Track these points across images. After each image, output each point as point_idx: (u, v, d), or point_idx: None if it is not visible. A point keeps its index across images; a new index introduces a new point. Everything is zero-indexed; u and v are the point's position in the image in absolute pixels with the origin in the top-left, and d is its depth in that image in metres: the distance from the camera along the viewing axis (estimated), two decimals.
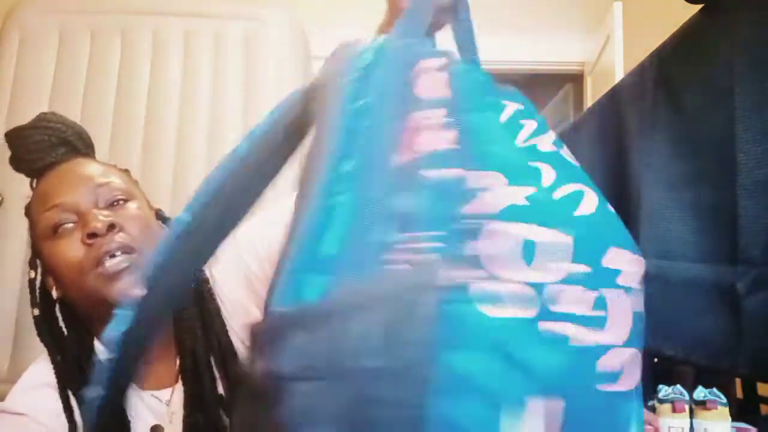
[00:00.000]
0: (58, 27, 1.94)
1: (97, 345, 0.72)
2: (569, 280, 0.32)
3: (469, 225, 0.31)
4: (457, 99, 0.35)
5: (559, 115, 4.11)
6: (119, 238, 0.67)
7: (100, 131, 1.88)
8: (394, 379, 0.28)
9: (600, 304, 0.33)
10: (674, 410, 1.06)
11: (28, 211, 0.76)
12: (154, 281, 0.40)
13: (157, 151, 1.88)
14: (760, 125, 0.62)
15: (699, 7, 0.76)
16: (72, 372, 0.70)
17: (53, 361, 0.72)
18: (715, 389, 1.07)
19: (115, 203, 0.71)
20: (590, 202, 0.37)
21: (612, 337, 0.33)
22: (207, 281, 0.75)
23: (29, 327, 1.73)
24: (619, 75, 2.27)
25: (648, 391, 1.16)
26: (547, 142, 0.39)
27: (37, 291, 0.74)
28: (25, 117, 1.88)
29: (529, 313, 0.31)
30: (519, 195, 0.33)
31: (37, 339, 1.75)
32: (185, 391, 0.70)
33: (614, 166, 1.03)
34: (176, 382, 0.72)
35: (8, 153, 0.76)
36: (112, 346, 0.40)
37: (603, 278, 0.34)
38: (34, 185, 0.77)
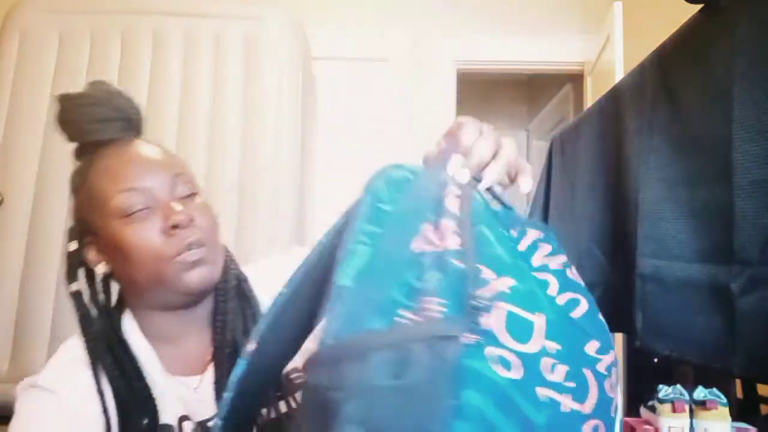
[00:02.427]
0: (58, 27, 1.95)
1: (124, 323, 0.74)
2: (559, 356, 0.40)
3: (481, 302, 0.39)
4: (469, 216, 0.45)
5: (559, 115, 4.11)
6: (196, 231, 0.71)
7: None
8: (412, 400, 0.35)
9: (582, 380, 0.41)
10: (674, 410, 1.06)
11: (80, 181, 0.75)
12: (262, 339, 0.49)
13: None
14: (758, 125, 0.62)
15: (699, 7, 0.76)
16: (102, 347, 0.71)
17: (87, 336, 0.72)
18: (715, 389, 1.07)
19: (188, 196, 0.74)
20: (583, 307, 0.49)
21: (589, 408, 0.41)
22: (246, 280, 0.78)
23: (29, 327, 1.74)
24: (619, 75, 2.27)
25: (648, 391, 1.17)
26: (557, 262, 0.51)
27: (79, 264, 0.75)
28: (25, 117, 1.89)
29: (528, 377, 0.38)
30: (524, 287, 0.42)
31: (37, 339, 1.76)
32: (217, 380, 0.71)
33: (614, 165, 1.03)
34: (204, 370, 0.74)
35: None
36: (231, 387, 0.48)
37: (586, 361, 0.43)
38: (80, 154, 0.78)
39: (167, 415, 0.70)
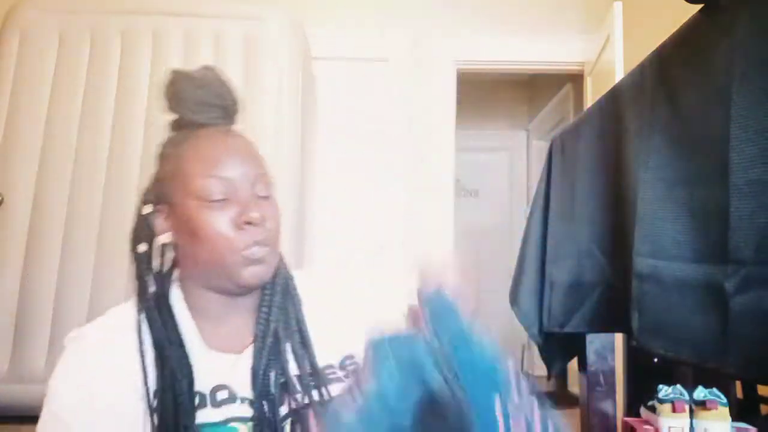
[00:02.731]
0: (58, 27, 1.94)
1: (171, 291, 0.79)
2: None
3: None
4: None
5: (559, 115, 4.11)
6: (265, 230, 0.75)
7: (100, 131, 1.89)
8: None
9: None
10: (674, 410, 1.06)
11: (169, 153, 0.79)
12: None
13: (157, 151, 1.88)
14: (756, 125, 0.62)
15: (699, 7, 0.76)
16: (153, 310, 0.75)
17: (141, 298, 0.77)
18: (715, 389, 1.07)
19: (264, 197, 0.78)
20: None
21: None
22: (293, 279, 0.82)
23: (29, 327, 1.74)
24: (619, 75, 2.27)
25: (648, 391, 1.17)
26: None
27: (147, 228, 0.79)
28: (25, 117, 1.89)
29: None
30: None
31: (37, 339, 1.76)
32: (254, 365, 0.74)
33: (614, 165, 1.03)
34: (242, 351, 0.77)
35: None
36: None
37: None
38: (176, 128, 0.82)
39: (200, 384, 0.73)
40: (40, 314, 1.75)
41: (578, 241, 1.16)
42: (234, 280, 0.74)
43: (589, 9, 2.87)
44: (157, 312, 0.75)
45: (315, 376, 0.75)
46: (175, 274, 0.81)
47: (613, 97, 1.07)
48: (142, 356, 0.72)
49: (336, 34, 2.85)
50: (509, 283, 1.43)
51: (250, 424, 0.71)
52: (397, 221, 2.80)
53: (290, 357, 0.77)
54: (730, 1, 0.70)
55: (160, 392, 0.70)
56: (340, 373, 0.79)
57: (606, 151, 1.08)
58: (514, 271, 1.41)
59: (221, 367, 0.75)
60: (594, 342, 1.25)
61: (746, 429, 1.08)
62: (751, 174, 0.62)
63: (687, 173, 0.76)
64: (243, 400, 0.73)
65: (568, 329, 1.20)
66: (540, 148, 4.43)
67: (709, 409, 1.04)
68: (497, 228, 4.70)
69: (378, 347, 0.55)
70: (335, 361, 0.79)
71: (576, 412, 1.33)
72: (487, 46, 2.97)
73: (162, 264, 0.80)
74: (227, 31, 1.98)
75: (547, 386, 3.90)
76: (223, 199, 0.73)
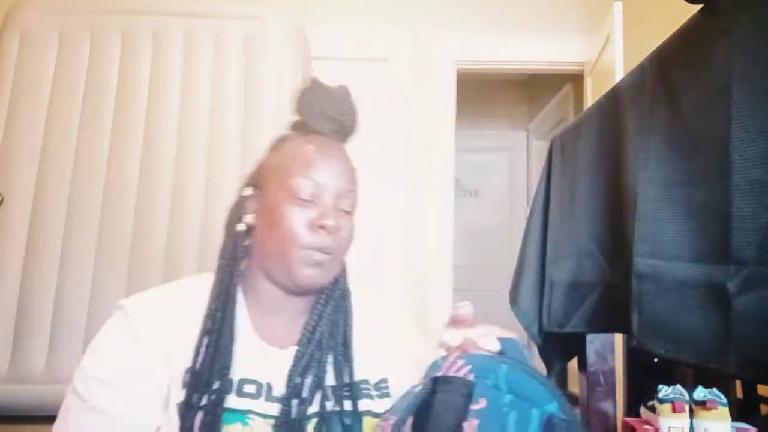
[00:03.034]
0: (58, 27, 1.94)
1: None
2: None
3: None
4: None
5: (559, 115, 4.11)
6: (334, 240, 0.79)
7: (101, 131, 1.89)
8: None
9: None
10: (674, 410, 1.06)
11: (281, 147, 0.85)
12: None
13: (157, 151, 1.89)
14: (757, 125, 0.62)
15: (699, 7, 0.76)
16: (223, 288, 0.80)
17: (224, 275, 0.81)
18: (715, 389, 1.07)
19: (346, 212, 0.83)
20: None
21: None
22: (350, 295, 0.87)
23: (29, 327, 1.74)
24: (619, 75, 2.27)
25: (648, 391, 1.17)
26: None
27: (245, 209, 0.84)
28: (25, 117, 1.89)
29: None
30: None
31: (37, 339, 1.76)
32: (292, 366, 0.78)
33: (613, 165, 1.03)
34: (285, 348, 0.81)
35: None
36: None
37: None
38: (296, 128, 0.87)
39: (243, 370, 0.77)
40: (40, 314, 1.75)
41: (578, 241, 1.16)
42: (292, 276, 0.79)
43: (589, 9, 2.87)
44: (225, 293, 0.80)
45: (350, 388, 0.79)
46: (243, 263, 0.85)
47: (613, 97, 1.07)
48: (200, 335, 0.77)
49: (336, 34, 2.85)
50: (509, 283, 1.43)
51: (271, 421, 0.73)
52: (397, 221, 2.80)
53: (330, 367, 0.80)
54: (730, 1, 0.70)
55: (199, 370, 0.74)
56: (374, 392, 0.82)
57: (606, 151, 1.08)
58: (514, 271, 1.41)
59: (271, 360, 0.79)
60: (594, 342, 1.25)
61: (746, 429, 1.08)
62: (753, 174, 0.62)
63: (687, 173, 0.76)
64: (271, 396, 0.76)
65: (567, 329, 1.19)
66: (540, 148, 4.43)
67: (709, 409, 1.04)
68: (497, 228, 4.70)
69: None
70: (371, 379, 0.83)
71: (576, 412, 1.32)
72: (487, 46, 2.97)
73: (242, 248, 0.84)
74: (227, 31, 1.98)
75: None
76: (309, 201, 0.79)
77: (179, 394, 0.73)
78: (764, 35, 0.63)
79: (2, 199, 1.80)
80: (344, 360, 0.81)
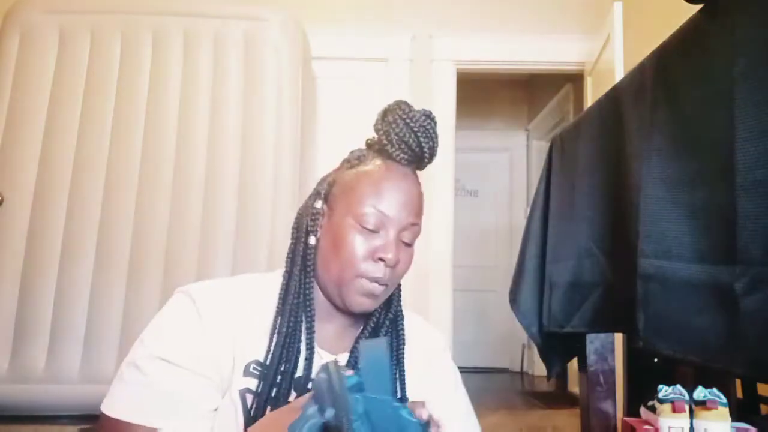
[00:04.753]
0: (58, 27, 1.94)
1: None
2: None
3: None
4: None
5: (559, 115, 4.11)
6: (392, 273, 0.81)
7: (100, 131, 1.89)
8: None
9: None
10: (674, 410, 1.06)
11: (357, 165, 0.86)
12: None
13: (157, 151, 1.89)
14: (759, 125, 0.62)
15: (699, 7, 0.76)
16: (300, 296, 0.82)
17: (296, 280, 0.83)
18: (715, 389, 1.07)
19: (407, 244, 0.84)
20: None
21: None
22: (402, 319, 0.89)
23: (29, 327, 1.74)
24: (619, 75, 2.27)
25: (648, 391, 1.16)
26: None
27: (316, 223, 0.85)
28: (25, 117, 1.89)
29: None
30: None
31: (37, 339, 1.76)
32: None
33: (614, 165, 1.03)
34: (335, 355, 0.84)
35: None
36: None
37: None
38: (373, 146, 0.89)
39: (300, 370, 0.80)
40: (40, 314, 1.75)
41: (578, 240, 1.16)
42: (342, 299, 0.81)
43: (589, 9, 2.87)
44: (297, 299, 0.82)
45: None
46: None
47: (613, 97, 1.07)
48: (272, 332, 0.80)
49: (336, 34, 2.85)
50: (509, 283, 1.43)
51: None
52: None
53: None
54: (730, 1, 0.70)
55: (269, 365, 0.77)
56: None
57: (606, 150, 1.08)
58: (514, 271, 1.41)
59: (318, 361, 0.82)
60: (594, 342, 1.24)
61: (746, 429, 1.08)
62: (757, 174, 0.62)
63: (689, 173, 0.76)
64: None
65: (568, 329, 1.19)
66: (540, 148, 4.43)
67: (709, 409, 1.04)
68: (497, 228, 4.70)
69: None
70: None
71: (576, 412, 1.33)
72: (487, 46, 2.97)
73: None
74: (227, 31, 1.98)
75: (547, 386, 3.90)
76: (373, 231, 0.81)
77: (242, 382, 0.76)
78: (765, 35, 0.63)
79: (2, 199, 1.80)
80: (398, 377, 0.84)
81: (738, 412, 1.27)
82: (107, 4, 2.03)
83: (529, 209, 1.48)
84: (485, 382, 4.02)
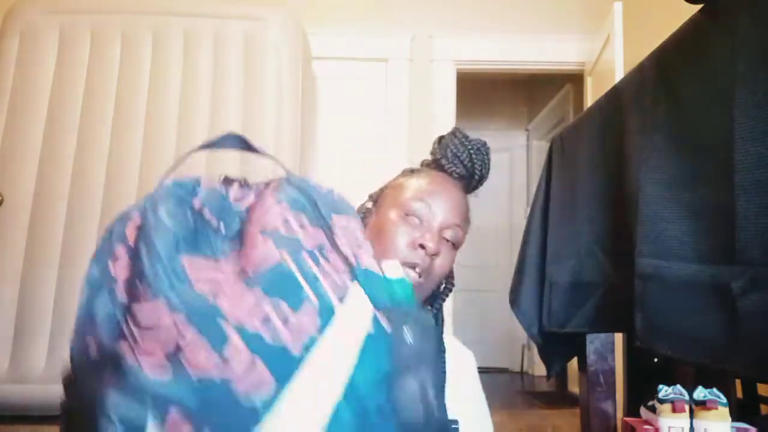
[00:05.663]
0: (58, 27, 1.94)
1: None
2: None
3: None
4: None
5: (559, 115, 4.11)
6: (430, 263, 0.83)
7: (100, 131, 1.89)
8: None
9: None
10: (674, 410, 1.06)
11: (410, 175, 0.91)
12: None
13: (157, 151, 1.89)
14: (760, 125, 0.62)
15: (699, 7, 0.77)
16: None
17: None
18: (715, 389, 1.07)
19: (450, 243, 0.87)
20: None
21: None
22: (441, 331, 0.91)
23: (29, 327, 1.74)
24: (619, 75, 2.27)
25: (648, 391, 1.17)
26: None
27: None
28: (25, 117, 1.89)
29: None
30: None
31: (37, 339, 1.75)
32: None
33: (614, 165, 1.03)
34: None
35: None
36: None
37: None
38: (430, 164, 0.94)
39: None
40: (40, 314, 1.75)
41: (579, 240, 1.16)
42: None
43: (589, 9, 2.87)
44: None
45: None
46: None
47: (614, 97, 1.07)
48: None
49: (336, 34, 2.85)
50: (509, 283, 1.43)
51: None
52: None
53: None
54: (730, 1, 0.70)
55: None
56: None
57: (606, 150, 1.08)
58: (514, 272, 1.41)
59: None
60: (594, 342, 1.24)
61: (746, 429, 1.08)
62: (757, 174, 0.62)
63: (689, 173, 0.76)
64: None
65: (569, 329, 1.19)
66: (540, 148, 4.43)
67: (709, 409, 1.04)
68: (497, 228, 4.70)
69: None
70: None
71: (576, 412, 1.32)
72: (487, 46, 2.97)
73: None
74: (227, 31, 1.98)
75: (547, 386, 3.90)
76: (417, 221, 0.84)
77: None
78: (765, 35, 0.63)
79: (2, 199, 1.80)
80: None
81: (738, 412, 1.27)
82: (107, 4, 2.03)
83: (529, 209, 1.48)
84: (485, 382, 4.01)
